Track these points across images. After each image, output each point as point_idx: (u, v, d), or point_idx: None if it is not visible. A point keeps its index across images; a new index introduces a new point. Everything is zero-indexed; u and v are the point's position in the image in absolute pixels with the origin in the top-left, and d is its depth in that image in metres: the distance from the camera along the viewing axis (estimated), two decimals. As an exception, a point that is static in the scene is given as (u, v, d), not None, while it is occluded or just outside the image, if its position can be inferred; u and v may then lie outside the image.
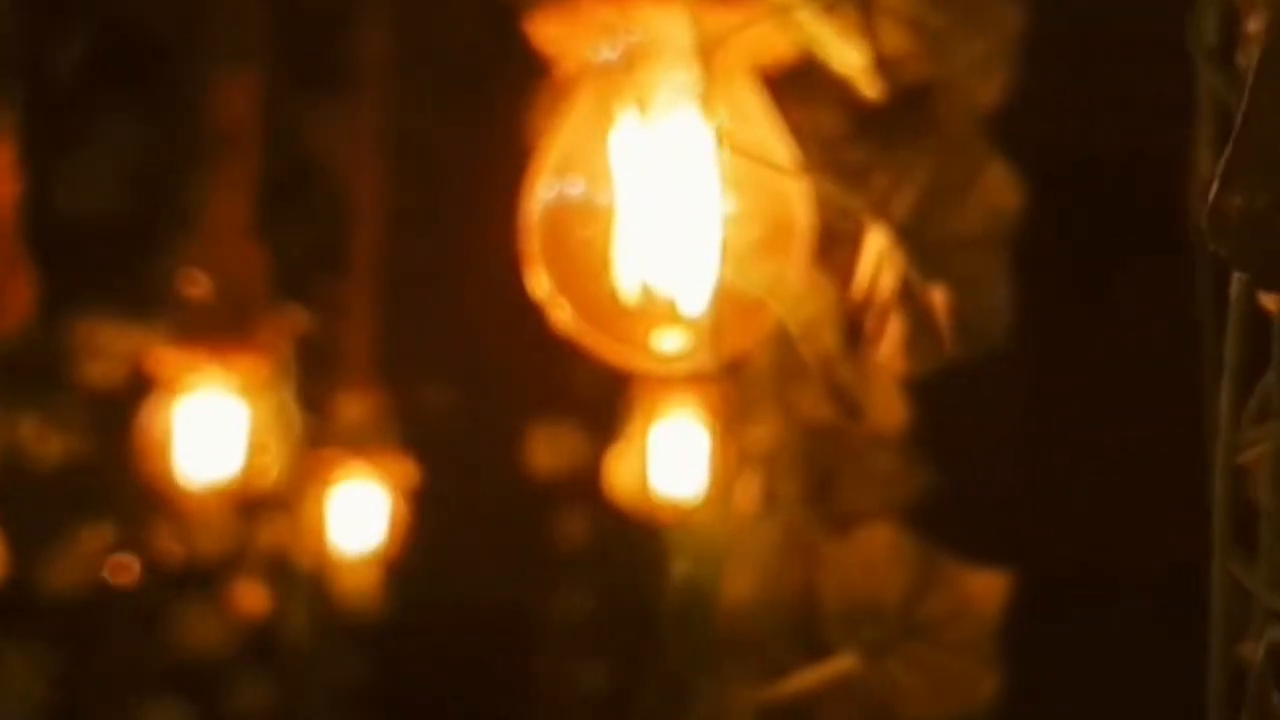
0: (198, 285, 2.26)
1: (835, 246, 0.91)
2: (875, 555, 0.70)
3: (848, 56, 0.79)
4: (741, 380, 1.29)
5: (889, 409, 1.00)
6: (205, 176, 2.42)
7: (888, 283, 0.79)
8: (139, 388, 2.47)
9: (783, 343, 1.05)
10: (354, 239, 2.65)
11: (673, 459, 2.38)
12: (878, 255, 0.80)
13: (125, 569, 2.88)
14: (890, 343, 0.71)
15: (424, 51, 2.71)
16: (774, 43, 0.96)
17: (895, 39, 0.77)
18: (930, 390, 0.80)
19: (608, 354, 1.11)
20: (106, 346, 2.67)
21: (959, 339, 0.67)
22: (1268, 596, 0.48)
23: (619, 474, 2.45)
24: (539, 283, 1.04)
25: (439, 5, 2.74)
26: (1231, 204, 0.42)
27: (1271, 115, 0.42)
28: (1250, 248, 0.42)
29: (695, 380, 2.14)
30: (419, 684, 3.18)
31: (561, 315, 1.05)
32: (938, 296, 0.60)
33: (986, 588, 0.69)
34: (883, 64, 0.79)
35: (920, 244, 0.77)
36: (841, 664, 0.69)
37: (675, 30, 0.98)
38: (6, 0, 1.67)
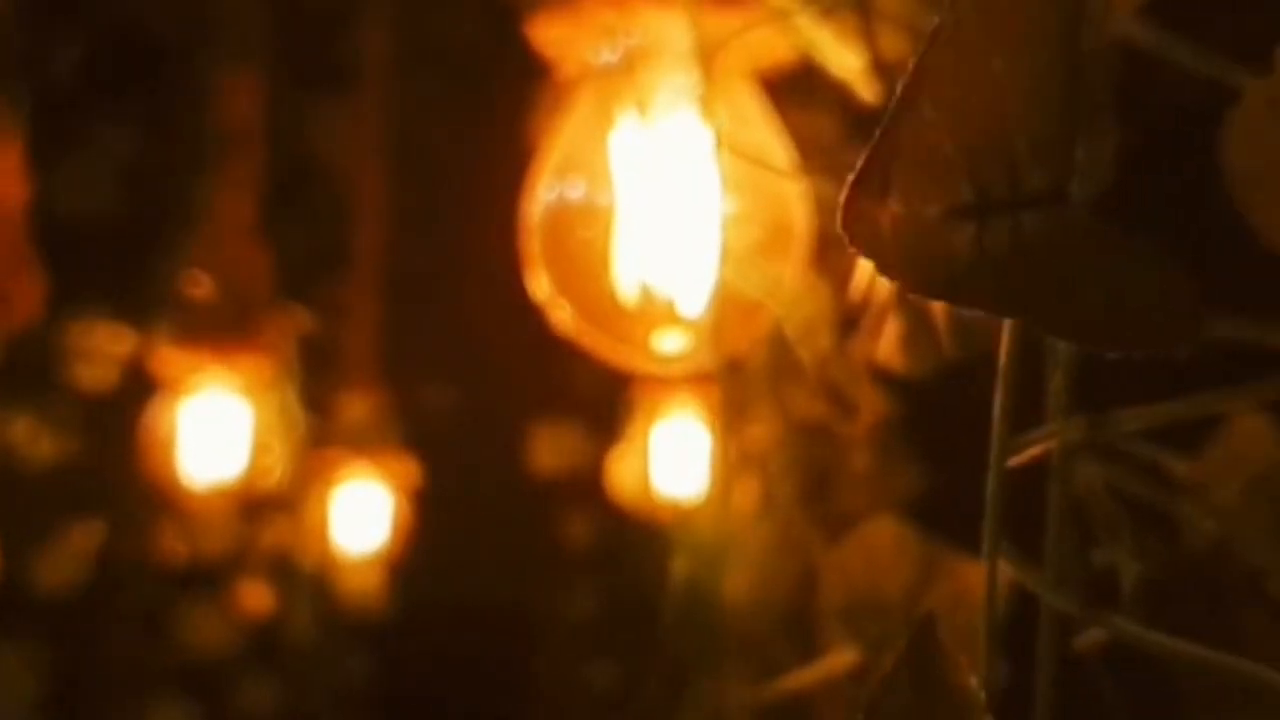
0: (201, 286, 2.27)
1: (833, 249, 0.92)
2: (878, 549, 0.70)
3: (846, 60, 0.80)
4: (738, 381, 1.29)
5: (871, 406, 1.01)
6: (205, 177, 2.42)
7: (885, 284, 0.80)
8: (134, 389, 2.48)
9: (779, 343, 1.06)
10: (356, 239, 2.66)
11: (674, 459, 2.38)
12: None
13: (128, 569, 2.88)
14: (888, 344, 0.72)
15: (425, 52, 2.72)
16: (773, 47, 0.97)
17: (893, 43, 0.77)
18: (921, 389, 0.81)
19: (608, 354, 1.11)
20: (101, 348, 2.68)
21: (956, 340, 0.68)
22: (1051, 598, 0.49)
23: (621, 474, 2.45)
24: (539, 283, 1.05)
25: (440, 6, 2.74)
26: (884, 212, 0.42)
27: (935, 119, 0.42)
28: (915, 259, 0.42)
29: (696, 381, 2.15)
30: (421, 683, 3.19)
31: (562, 316, 1.06)
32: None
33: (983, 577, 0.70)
34: (880, 68, 0.79)
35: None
36: (842, 660, 0.70)
37: (675, 34, 0.99)
38: (10, 2, 1.67)
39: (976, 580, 0.74)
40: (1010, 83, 0.42)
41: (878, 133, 0.43)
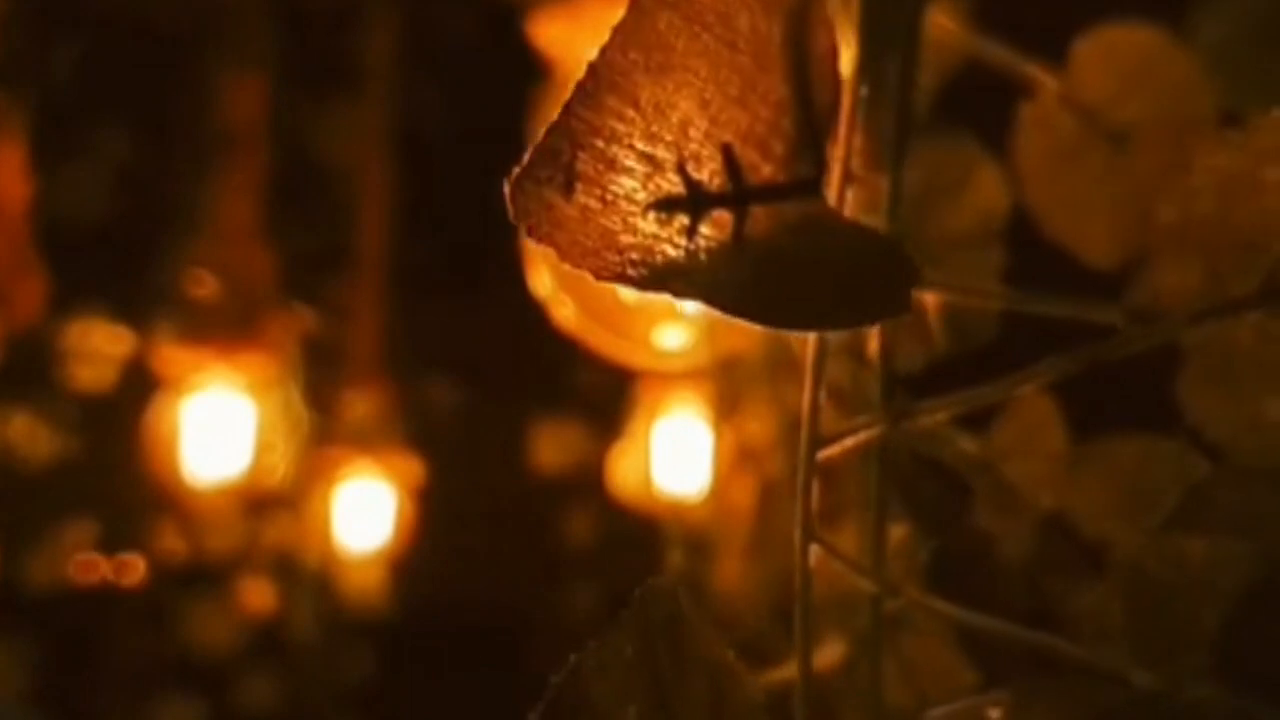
0: (205, 285, 2.28)
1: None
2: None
3: (844, 56, 0.81)
4: (736, 375, 1.31)
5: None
6: (209, 179, 2.44)
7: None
8: (134, 388, 2.50)
9: (774, 338, 1.07)
10: (358, 239, 2.67)
11: (676, 456, 2.39)
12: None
13: (130, 568, 2.90)
14: (880, 340, 0.73)
15: (427, 54, 2.73)
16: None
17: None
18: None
19: (609, 350, 1.13)
20: (100, 347, 2.69)
21: (948, 337, 0.69)
22: (856, 577, 0.51)
23: (622, 471, 2.46)
24: (541, 280, 1.06)
25: (442, 8, 2.76)
26: (572, 204, 0.42)
27: (621, 114, 0.43)
28: (609, 248, 0.43)
29: (696, 377, 2.16)
30: (423, 680, 3.20)
31: (564, 312, 1.07)
32: (928, 295, 0.62)
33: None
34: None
35: (914, 242, 0.79)
36: (833, 653, 0.71)
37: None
38: (14, 7, 1.69)
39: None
40: (716, 83, 0.43)
41: (545, 129, 0.43)
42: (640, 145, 0.43)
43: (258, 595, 2.90)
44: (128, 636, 2.91)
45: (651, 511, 2.44)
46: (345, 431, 2.64)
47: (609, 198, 0.43)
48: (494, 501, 3.09)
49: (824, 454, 0.49)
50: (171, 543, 2.83)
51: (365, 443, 2.63)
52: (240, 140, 2.43)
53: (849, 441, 0.50)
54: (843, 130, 0.49)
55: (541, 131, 0.42)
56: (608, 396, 2.56)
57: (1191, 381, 0.45)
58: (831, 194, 0.48)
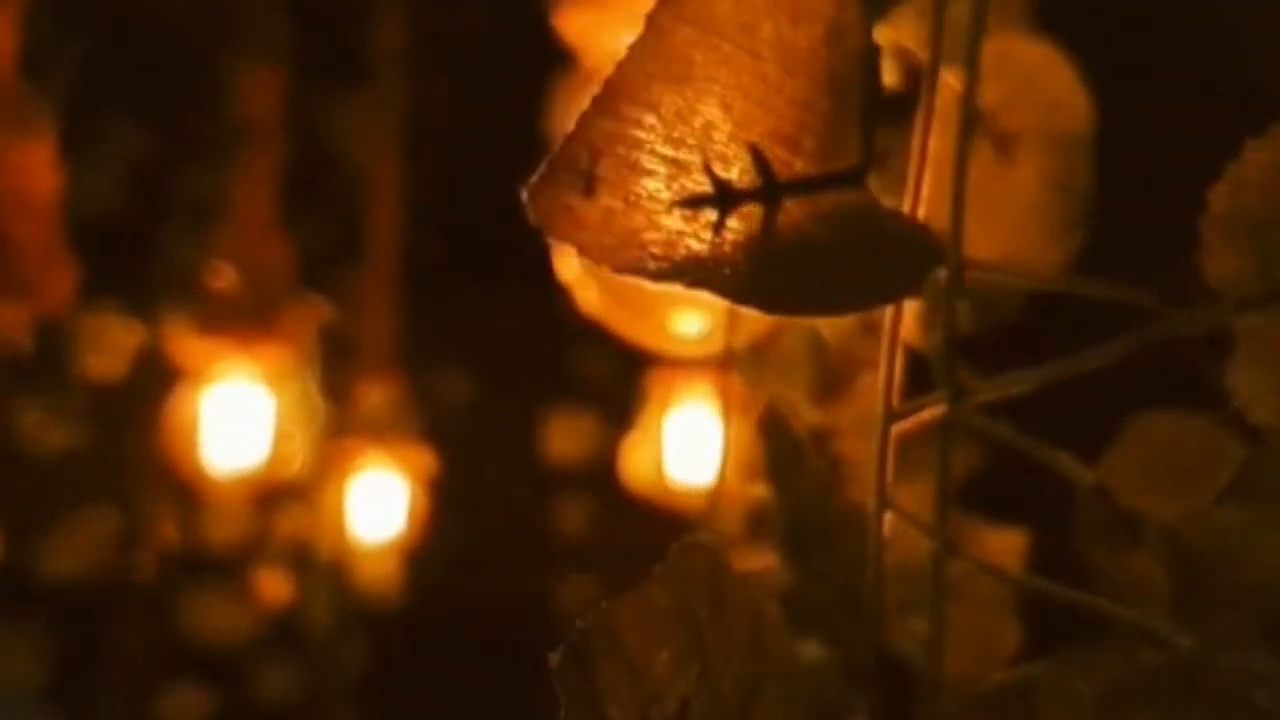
0: (223, 277, 2.30)
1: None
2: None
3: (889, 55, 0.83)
4: (757, 362, 1.32)
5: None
6: (225, 172, 2.45)
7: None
8: (149, 378, 2.51)
9: (785, 323, 1.09)
10: (373, 231, 2.68)
11: (688, 447, 2.39)
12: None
13: (145, 558, 2.91)
14: (905, 319, 0.75)
15: (441, 45, 2.74)
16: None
17: (912, 27, 0.80)
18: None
19: (631, 335, 1.14)
20: (115, 338, 2.71)
21: (974, 313, 0.71)
22: (935, 543, 0.53)
23: (635, 462, 2.47)
24: (567, 266, 1.07)
25: (456, -1, 2.77)
26: (594, 206, 0.44)
27: (640, 120, 0.45)
28: (630, 245, 0.44)
29: (712, 366, 2.17)
30: (436, 671, 3.21)
31: (588, 296, 1.09)
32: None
33: (1008, 545, 0.73)
34: (898, 51, 0.82)
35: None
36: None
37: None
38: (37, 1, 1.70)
39: (996, 545, 0.78)
40: (741, 90, 0.45)
41: (564, 137, 0.45)
42: (663, 149, 0.45)
43: (271, 585, 2.91)
44: (141, 626, 2.92)
45: (664, 502, 2.45)
46: (359, 423, 2.65)
47: (632, 198, 0.45)
48: (507, 493, 3.10)
49: (898, 428, 0.51)
50: (186, 533, 2.84)
51: (379, 434, 2.64)
52: (256, 133, 2.44)
53: (921, 416, 0.52)
54: (917, 128, 0.51)
55: (559, 142, 0.45)
56: (619, 388, 2.57)
57: (1240, 366, 0.47)
58: (902, 183, 0.50)
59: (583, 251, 0.45)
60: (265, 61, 2.47)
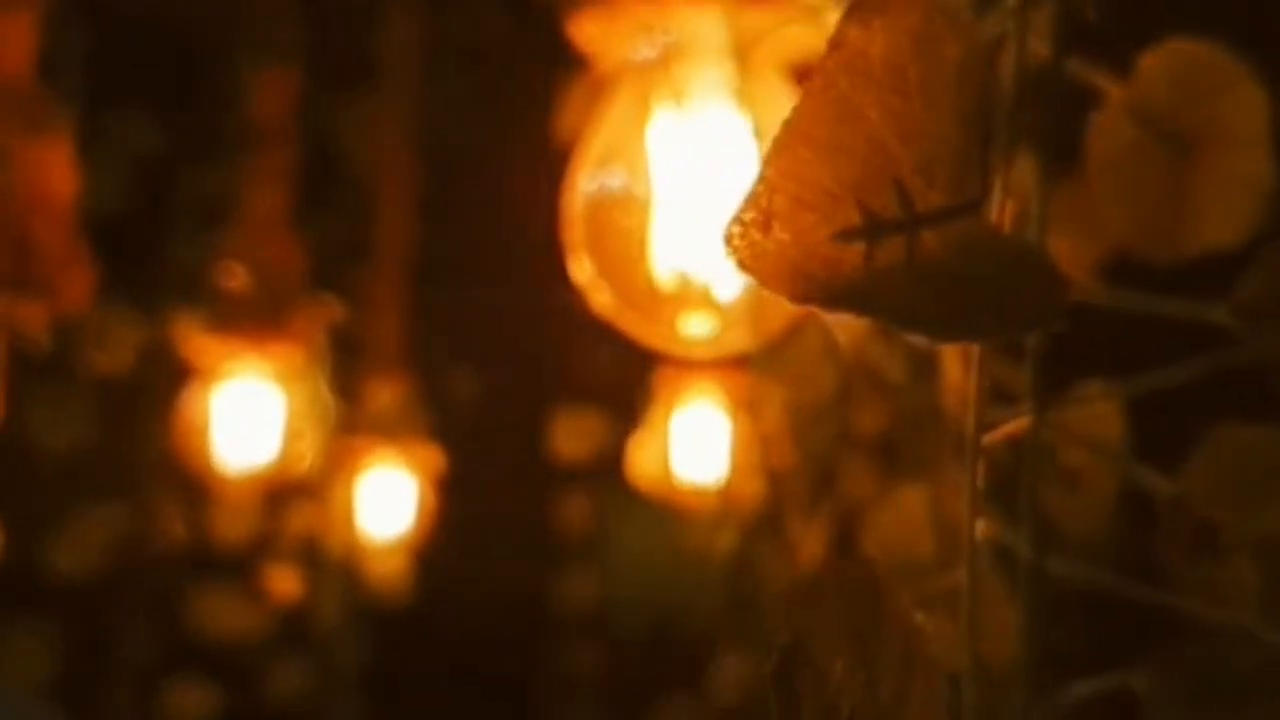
0: (236, 277, 2.31)
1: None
2: (913, 514, 0.75)
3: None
4: (770, 363, 1.34)
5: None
6: (237, 172, 2.46)
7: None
8: (158, 376, 2.52)
9: (817, 328, 1.10)
10: (384, 231, 2.69)
11: (695, 445, 2.41)
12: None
13: (155, 555, 2.92)
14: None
15: (452, 46, 2.75)
16: (805, 41, 1.02)
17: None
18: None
19: (642, 336, 1.16)
20: (123, 337, 2.72)
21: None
22: (1026, 551, 0.55)
23: (642, 461, 2.49)
24: (581, 268, 1.09)
25: (468, 2, 2.78)
26: (770, 239, 0.49)
27: (810, 160, 0.49)
28: (801, 276, 0.49)
29: (720, 366, 2.18)
30: (445, 668, 3.22)
31: (601, 298, 1.10)
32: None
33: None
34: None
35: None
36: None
37: (711, 30, 1.04)
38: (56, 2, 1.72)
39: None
40: (887, 126, 0.49)
41: (755, 177, 0.50)
42: (824, 184, 0.50)
43: (281, 582, 2.92)
44: (151, 623, 2.93)
45: (671, 501, 2.47)
46: (368, 421, 2.66)
47: (798, 232, 0.49)
48: (515, 490, 3.11)
49: (987, 439, 0.54)
50: (196, 530, 2.85)
51: (388, 432, 2.65)
52: (268, 133, 2.46)
53: (1007, 428, 0.55)
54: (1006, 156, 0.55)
55: (750, 187, 0.50)
56: (627, 387, 2.58)
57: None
58: (995, 213, 0.53)
59: (766, 284, 0.50)
60: (277, 62, 2.48)
